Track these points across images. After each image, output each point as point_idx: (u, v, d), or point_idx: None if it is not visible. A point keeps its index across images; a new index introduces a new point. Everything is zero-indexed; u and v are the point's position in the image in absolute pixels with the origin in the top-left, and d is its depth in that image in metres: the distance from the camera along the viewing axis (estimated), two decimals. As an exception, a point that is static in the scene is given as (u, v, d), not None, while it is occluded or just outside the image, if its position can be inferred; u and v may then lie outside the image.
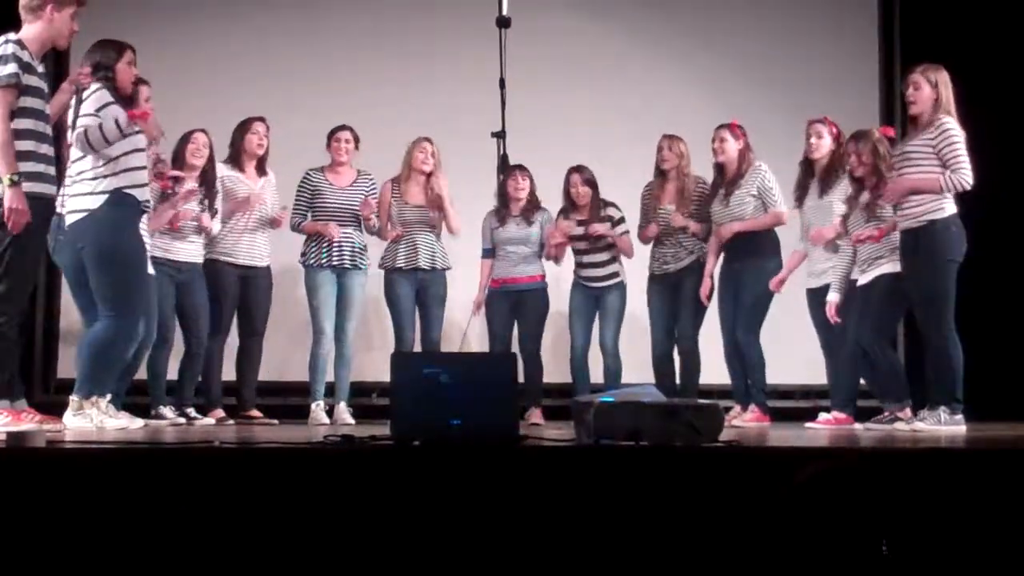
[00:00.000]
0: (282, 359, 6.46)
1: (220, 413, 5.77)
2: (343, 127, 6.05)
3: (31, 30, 4.22)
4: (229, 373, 5.94)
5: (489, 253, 6.11)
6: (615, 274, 6.02)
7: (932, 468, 2.96)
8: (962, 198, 4.85)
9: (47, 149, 4.22)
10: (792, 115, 6.27)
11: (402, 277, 5.98)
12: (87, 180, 4.34)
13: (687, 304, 5.85)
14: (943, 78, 4.86)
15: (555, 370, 6.19)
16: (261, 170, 5.95)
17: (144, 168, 4.51)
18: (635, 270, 6.09)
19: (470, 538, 2.81)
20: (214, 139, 5.76)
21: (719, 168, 5.86)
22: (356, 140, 6.06)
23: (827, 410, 5.41)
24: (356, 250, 5.97)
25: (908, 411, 4.98)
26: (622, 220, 6.06)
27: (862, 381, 5.37)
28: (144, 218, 4.68)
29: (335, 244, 5.90)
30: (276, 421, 5.72)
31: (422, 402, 3.27)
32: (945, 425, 4.68)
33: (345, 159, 6.05)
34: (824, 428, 5.18)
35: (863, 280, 5.15)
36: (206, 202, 5.59)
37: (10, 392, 4.13)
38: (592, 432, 3.27)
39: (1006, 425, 5.14)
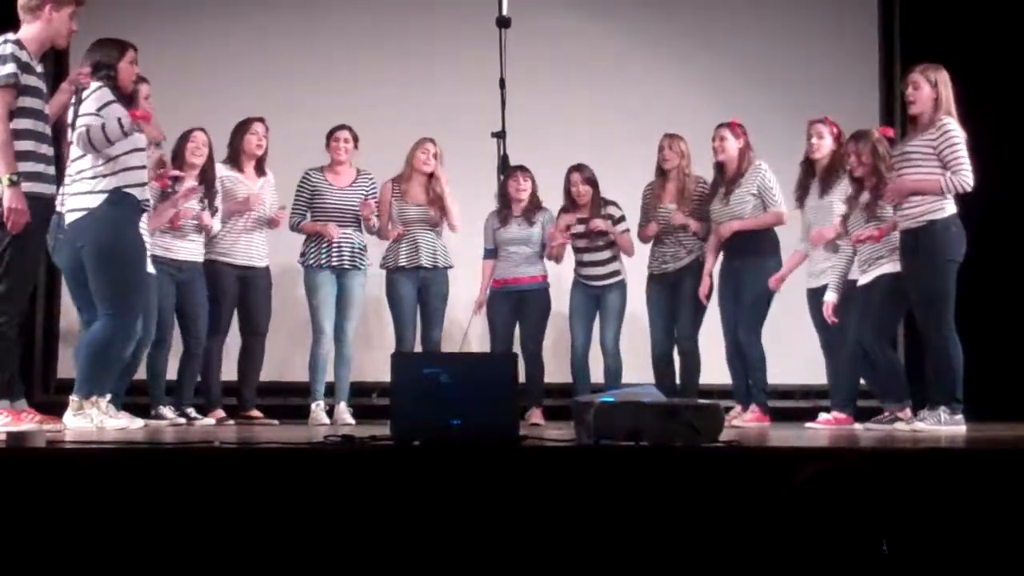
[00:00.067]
0: (282, 359, 6.46)
1: (220, 413, 5.77)
2: (342, 127, 6.05)
3: (30, 30, 4.22)
4: (230, 373, 5.94)
5: (491, 254, 6.11)
6: (616, 273, 6.02)
7: (932, 468, 2.96)
8: (962, 198, 4.85)
9: (46, 149, 4.22)
10: (792, 115, 6.28)
11: (404, 276, 5.98)
12: (86, 179, 4.34)
13: (686, 304, 5.85)
14: (943, 78, 4.86)
15: (555, 370, 6.19)
16: (260, 170, 5.95)
17: (144, 168, 4.51)
18: (635, 270, 6.09)
19: (470, 538, 2.80)
20: (214, 139, 5.77)
21: (719, 167, 5.86)
22: (355, 139, 6.06)
23: (827, 410, 5.41)
24: (356, 250, 5.97)
25: (908, 411, 4.98)
26: (622, 219, 6.06)
27: (862, 381, 5.37)
28: (144, 217, 4.68)
29: (335, 244, 5.90)
30: (276, 421, 5.72)
31: (422, 402, 3.27)
32: (945, 425, 4.68)
33: (344, 158, 6.04)
34: (824, 428, 5.18)
35: (863, 280, 5.15)
36: (206, 201, 5.60)
37: (10, 392, 4.13)
38: (592, 432, 3.27)
39: (1006, 425, 5.14)
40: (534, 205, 6.09)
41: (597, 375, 6.02)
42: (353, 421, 5.78)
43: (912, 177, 4.83)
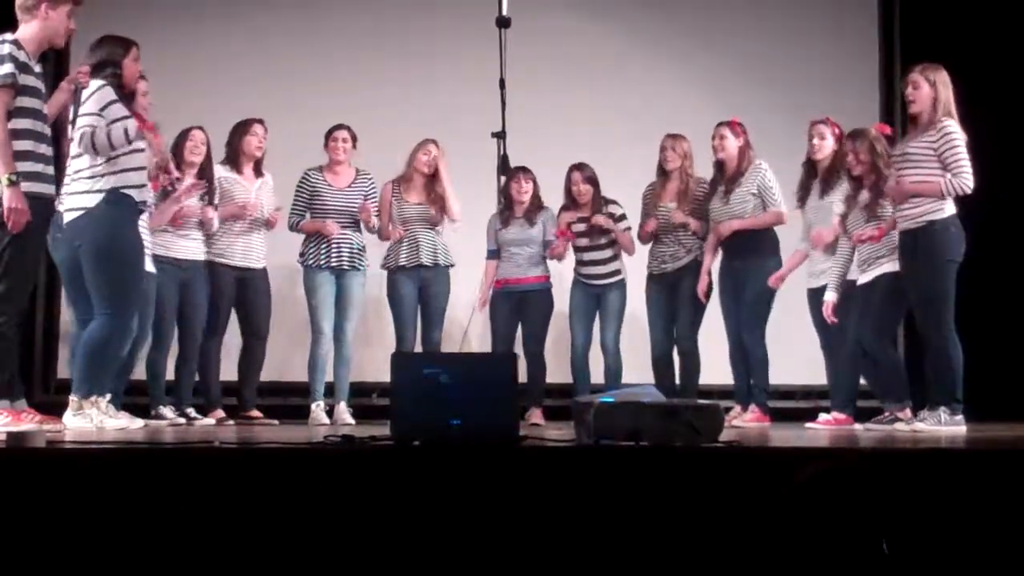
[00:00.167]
0: (282, 359, 6.46)
1: (220, 413, 5.78)
2: (340, 126, 6.05)
3: (27, 30, 4.22)
4: (230, 373, 5.94)
5: (494, 254, 6.12)
6: (616, 272, 6.03)
7: (932, 468, 2.96)
8: (962, 198, 4.85)
9: (45, 149, 4.22)
10: (792, 115, 6.29)
11: (405, 276, 5.98)
12: (84, 179, 4.33)
13: (686, 304, 5.85)
14: (942, 77, 4.86)
15: (555, 370, 6.19)
16: (258, 171, 5.95)
17: (143, 169, 4.50)
18: (635, 269, 6.09)
19: (470, 538, 2.80)
20: (214, 139, 5.77)
21: (719, 165, 5.86)
22: (354, 139, 6.06)
23: (827, 410, 5.41)
24: (355, 251, 5.97)
25: (908, 411, 4.98)
26: (623, 217, 6.07)
27: (862, 381, 5.37)
28: (144, 216, 4.68)
29: (334, 245, 5.90)
30: (276, 422, 5.72)
31: (422, 402, 3.27)
32: (945, 425, 4.68)
33: (343, 158, 6.04)
34: (824, 428, 5.18)
35: (863, 279, 5.15)
36: (207, 198, 5.60)
37: (10, 392, 4.13)
38: (592, 432, 3.27)
39: (1006, 425, 5.14)
40: (535, 206, 6.09)
41: (597, 375, 6.02)
42: (353, 421, 5.78)
43: (912, 178, 4.83)
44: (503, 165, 4.95)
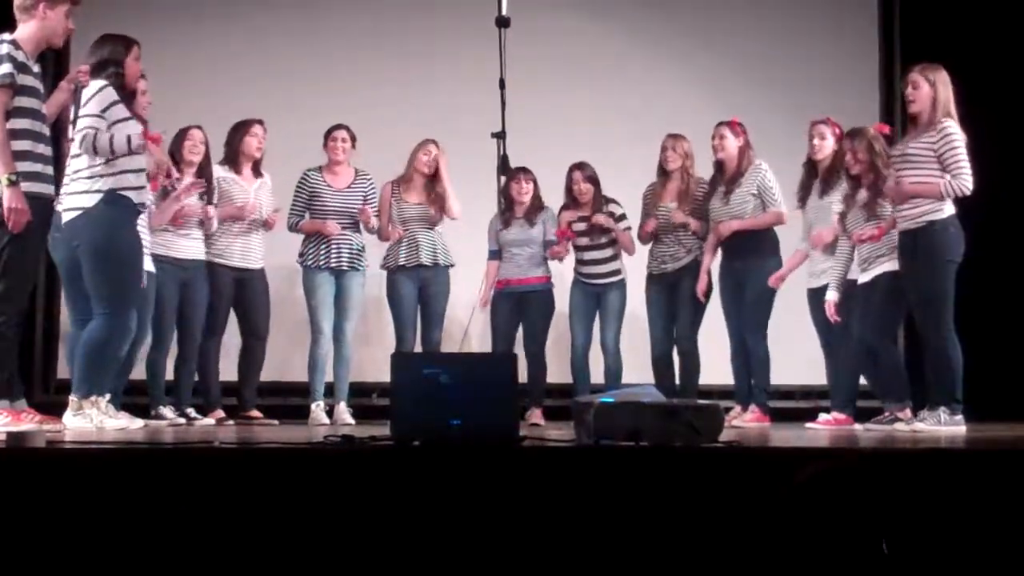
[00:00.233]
0: (282, 359, 6.46)
1: (220, 413, 5.77)
2: (339, 126, 6.05)
3: (25, 30, 4.21)
4: (230, 374, 5.94)
5: (495, 255, 6.13)
6: (616, 272, 6.03)
7: (932, 468, 2.96)
8: (961, 199, 4.85)
9: (44, 149, 4.21)
10: (792, 115, 6.29)
11: (405, 276, 5.98)
12: (83, 179, 4.32)
13: (686, 304, 5.85)
14: (942, 77, 4.86)
15: (555, 370, 6.19)
16: (257, 171, 5.95)
17: (142, 171, 4.49)
18: (635, 269, 6.09)
19: (470, 538, 2.80)
20: (214, 139, 5.77)
21: (719, 165, 5.86)
22: (353, 139, 6.06)
23: (827, 410, 5.41)
24: (355, 251, 5.97)
25: (908, 411, 4.98)
26: (624, 216, 6.07)
27: (863, 381, 5.37)
28: (145, 215, 4.67)
29: (334, 245, 5.90)
30: (276, 422, 5.72)
31: (422, 402, 3.27)
32: (945, 425, 4.68)
33: (342, 158, 6.04)
34: (824, 428, 5.18)
35: (864, 278, 5.15)
36: (206, 197, 5.61)
37: (10, 392, 4.13)
38: (592, 432, 3.27)
39: (1006, 425, 5.14)
40: (535, 206, 6.09)
41: (597, 375, 6.02)
42: (353, 421, 5.78)
43: (912, 179, 4.83)
44: (503, 165, 4.95)
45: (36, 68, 4.24)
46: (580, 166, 6.06)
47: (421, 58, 7.00)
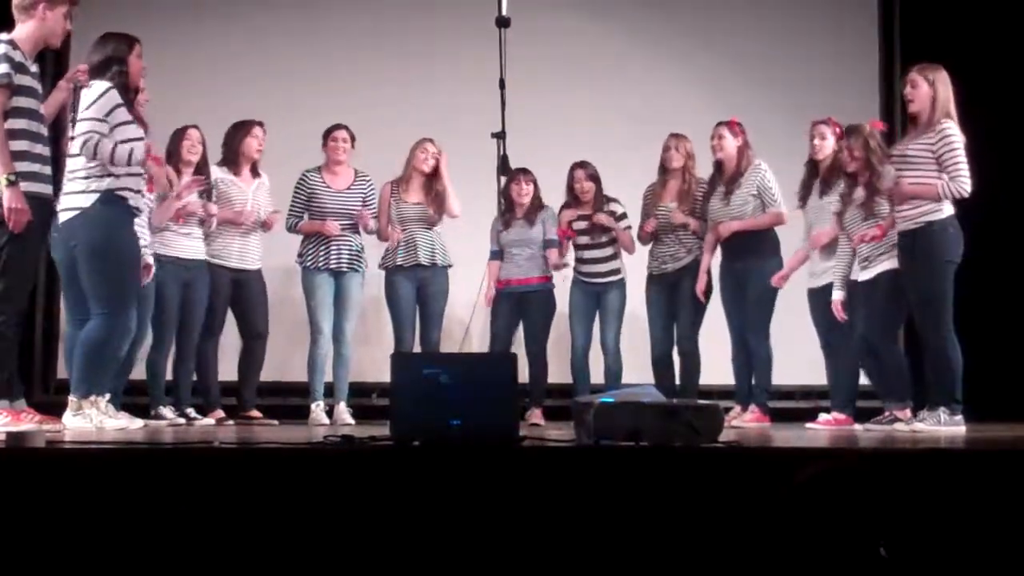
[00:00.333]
0: (282, 359, 6.45)
1: (220, 413, 5.77)
2: (339, 126, 6.05)
3: (24, 29, 4.21)
4: (230, 374, 5.94)
5: (496, 255, 6.12)
6: (616, 271, 6.03)
7: (932, 469, 2.96)
8: (960, 199, 4.85)
9: (41, 149, 4.21)
10: (792, 115, 6.30)
11: (403, 276, 5.98)
12: (80, 179, 4.31)
13: (686, 304, 5.85)
14: (941, 77, 4.86)
15: (555, 370, 6.18)
16: (255, 172, 5.94)
17: (140, 175, 4.48)
18: (635, 269, 6.09)
19: (470, 539, 2.80)
20: (215, 139, 5.76)
21: (718, 165, 5.86)
22: (352, 139, 6.05)
23: (827, 411, 5.41)
24: (354, 252, 5.96)
25: (908, 412, 4.98)
26: (624, 215, 6.07)
27: (863, 381, 5.37)
28: (145, 215, 4.66)
29: (333, 247, 5.89)
30: (276, 422, 5.72)
31: (422, 402, 3.27)
32: (944, 426, 4.68)
33: (343, 158, 6.04)
34: (824, 429, 5.18)
35: (864, 277, 5.15)
36: (205, 196, 5.61)
37: (9, 392, 4.13)
38: (592, 432, 3.27)
39: (1006, 425, 5.14)
40: (535, 207, 6.09)
41: (597, 375, 6.02)
42: (353, 421, 5.77)
43: (910, 180, 4.83)
44: (503, 165, 4.96)
45: (34, 68, 4.24)
46: (582, 164, 6.07)
47: (421, 58, 7.00)
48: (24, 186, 4.07)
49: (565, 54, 7.02)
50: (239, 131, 5.88)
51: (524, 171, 5.98)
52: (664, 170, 5.98)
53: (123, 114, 4.34)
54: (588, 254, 6.05)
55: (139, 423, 4.74)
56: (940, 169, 4.77)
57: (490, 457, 2.98)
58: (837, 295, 5.27)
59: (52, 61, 6.01)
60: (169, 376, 5.68)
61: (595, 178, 6.05)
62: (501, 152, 4.86)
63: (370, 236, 6.07)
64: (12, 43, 4.12)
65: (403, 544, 2.79)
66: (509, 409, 3.40)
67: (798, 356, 6.13)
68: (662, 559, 2.81)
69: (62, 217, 4.33)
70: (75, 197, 4.31)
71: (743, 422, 5.53)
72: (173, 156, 5.58)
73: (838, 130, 5.51)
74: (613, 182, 6.16)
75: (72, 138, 4.34)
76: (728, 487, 2.89)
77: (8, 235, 4.06)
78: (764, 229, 5.71)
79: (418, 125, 6.27)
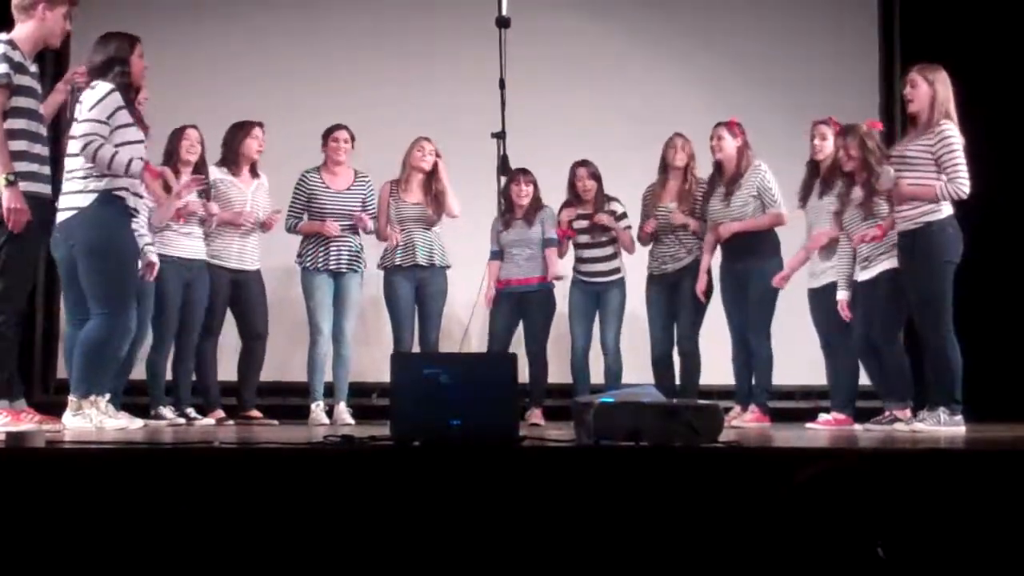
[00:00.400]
0: (282, 359, 6.45)
1: (220, 413, 5.77)
2: (340, 126, 6.04)
3: (23, 29, 4.21)
4: (230, 374, 5.94)
5: (496, 255, 6.12)
6: (616, 270, 6.03)
7: (931, 469, 2.96)
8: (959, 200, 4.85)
9: (40, 149, 4.21)
10: (792, 115, 6.30)
11: (401, 276, 5.98)
12: (78, 178, 4.31)
13: (686, 304, 5.85)
14: (940, 77, 4.85)
15: (555, 370, 6.18)
16: (254, 173, 5.94)
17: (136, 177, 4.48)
18: (634, 269, 6.09)
19: (470, 539, 2.80)
20: (215, 140, 5.76)
21: (717, 166, 5.86)
22: (352, 139, 6.05)
23: (827, 410, 5.41)
24: (353, 253, 5.96)
25: (908, 412, 4.98)
26: (624, 215, 6.08)
27: (863, 381, 5.37)
28: (145, 215, 4.65)
29: (333, 248, 5.89)
30: (276, 422, 5.72)
31: (422, 402, 3.27)
32: (944, 426, 4.68)
33: (344, 159, 6.04)
34: (824, 429, 5.19)
35: (864, 276, 5.15)
36: (204, 196, 5.61)
37: (9, 392, 4.13)
38: (592, 432, 3.27)
39: (1005, 426, 5.14)
40: (534, 207, 6.09)
41: (597, 375, 6.02)
42: (353, 421, 5.77)
43: (909, 181, 4.83)
44: (503, 165, 4.96)
45: (33, 68, 4.24)
46: (584, 163, 6.07)
47: (421, 58, 7.00)
48: (23, 186, 4.07)
49: (565, 54, 7.02)
50: (239, 132, 5.87)
51: (524, 171, 5.97)
52: (664, 169, 5.98)
53: (124, 116, 4.34)
54: (588, 253, 6.05)
55: (139, 423, 4.74)
56: (939, 170, 4.77)
57: (490, 457, 2.98)
58: (842, 295, 5.27)
59: (52, 61, 6.01)
60: (169, 376, 5.68)
61: (597, 177, 6.05)
62: (501, 152, 4.86)
63: (369, 236, 6.07)
64: (11, 43, 4.12)
65: (403, 544, 2.79)
66: (509, 409, 3.40)
67: (798, 356, 6.13)
68: (662, 559, 2.81)
69: (60, 217, 4.33)
70: (73, 197, 4.31)
71: (743, 422, 5.53)
72: (172, 156, 5.58)
73: (839, 129, 5.51)
74: (613, 182, 6.15)
75: (72, 138, 4.34)
76: (728, 487, 2.88)
77: (7, 235, 4.06)
78: (764, 230, 5.71)
79: (418, 125, 6.26)
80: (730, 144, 5.77)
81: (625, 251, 6.07)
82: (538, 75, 6.57)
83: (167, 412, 5.49)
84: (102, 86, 4.33)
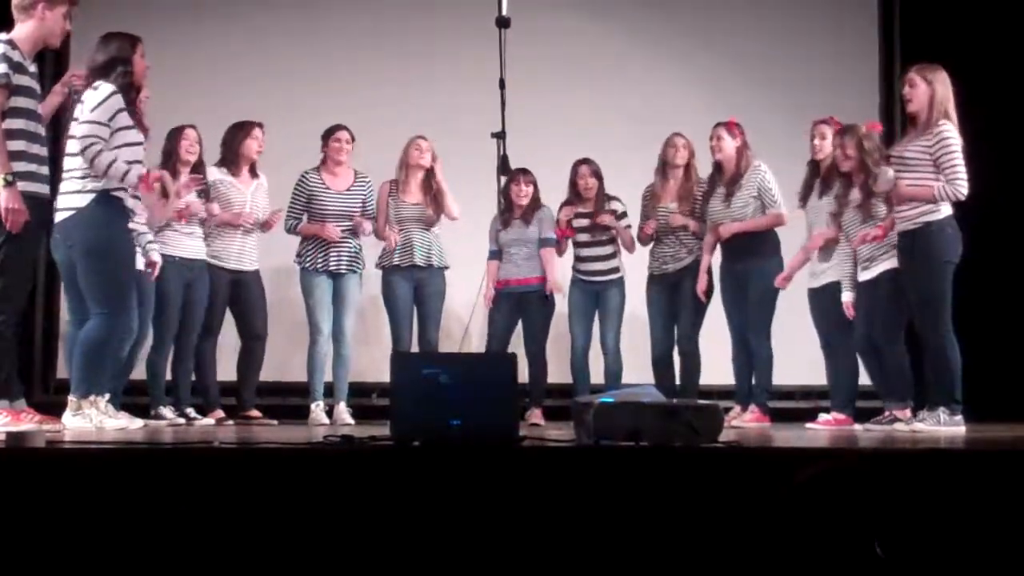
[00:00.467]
0: (282, 359, 6.45)
1: (220, 413, 5.77)
2: (340, 127, 6.04)
3: (23, 29, 4.20)
4: (230, 374, 5.94)
5: (495, 255, 6.12)
6: (616, 269, 6.03)
7: (931, 469, 2.96)
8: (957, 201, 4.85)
9: (38, 149, 4.20)
10: (792, 115, 6.30)
11: (399, 276, 5.98)
12: (76, 178, 4.30)
13: (687, 304, 5.85)
14: (939, 76, 4.85)
15: (555, 370, 6.18)
16: (253, 173, 5.94)
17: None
18: (634, 269, 6.09)
19: (470, 539, 2.80)
20: (215, 140, 5.76)
21: (717, 166, 5.86)
22: (352, 139, 6.05)
23: (827, 410, 5.41)
24: (353, 254, 5.96)
25: (908, 412, 4.98)
26: (625, 214, 6.08)
27: (863, 380, 5.37)
28: (144, 215, 4.65)
29: (332, 249, 5.89)
30: (275, 421, 5.72)
31: (422, 402, 3.27)
32: (944, 426, 4.68)
33: (344, 159, 6.03)
34: (824, 429, 5.19)
35: (865, 276, 5.15)
36: (203, 196, 5.61)
37: (9, 392, 4.13)
38: (592, 432, 3.27)
39: (1005, 425, 5.14)
40: (533, 207, 6.08)
41: (597, 375, 6.02)
42: (352, 421, 5.77)
43: (908, 182, 4.83)
44: (503, 165, 4.96)
45: (33, 68, 4.24)
46: (586, 161, 6.07)
47: (421, 58, 7.00)
48: (21, 186, 4.07)
49: (565, 54, 7.02)
50: (239, 132, 5.87)
51: (524, 171, 5.97)
52: (664, 167, 5.97)
53: (125, 119, 4.34)
54: (588, 252, 6.05)
55: (139, 423, 4.74)
56: (937, 171, 4.76)
57: (490, 457, 2.98)
58: (847, 297, 5.27)
59: (52, 61, 6.01)
60: (169, 376, 5.68)
61: (598, 175, 6.05)
62: (501, 152, 4.86)
63: (368, 236, 6.07)
64: (11, 43, 4.12)
65: (403, 544, 2.79)
66: (509, 409, 3.40)
67: (798, 356, 6.13)
68: (662, 559, 2.81)
69: (58, 217, 4.33)
70: (71, 197, 4.30)
71: (743, 422, 5.53)
72: (171, 155, 5.58)
73: (838, 129, 5.51)
74: (613, 182, 6.15)
75: (72, 137, 4.34)
76: (728, 487, 2.88)
77: (6, 235, 4.05)
78: (764, 230, 5.71)
79: (418, 125, 6.26)
80: (729, 144, 5.77)
81: (625, 250, 6.07)
82: (538, 75, 6.57)
83: (167, 412, 5.49)
84: (104, 87, 4.32)
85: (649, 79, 7.12)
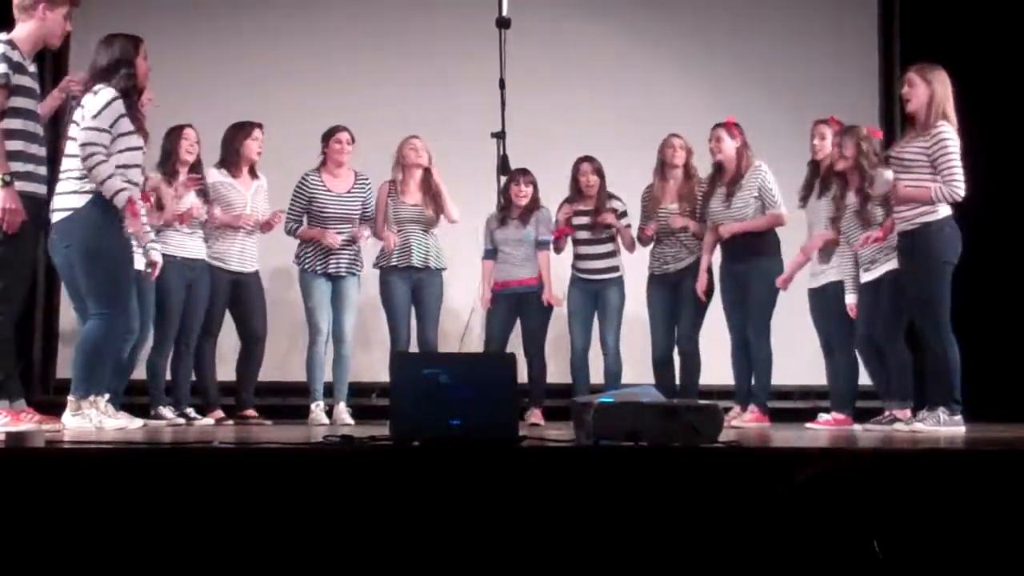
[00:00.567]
0: (281, 359, 6.46)
1: (219, 414, 5.78)
2: (341, 128, 6.03)
3: (23, 29, 4.21)
4: (230, 374, 5.94)
5: (490, 254, 6.11)
6: (615, 268, 6.03)
7: (931, 469, 2.96)
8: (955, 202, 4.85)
9: (37, 149, 4.20)
10: (792, 115, 6.30)
11: (397, 276, 5.97)
12: (73, 179, 4.29)
13: (687, 304, 5.85)
14: (939, 76, 4.85)
15: (555, 370, 6.19)
16: (253, 174, 5.94)
17: (134, 174, 4.47)
18: (634, 269, 6.09)
19: (470, 538, 2.80)
20: (214, 141, 5.76)
21: (717, 166, 5.86)
22: (352, 140, 6.05)
23: (827, 410, 5.41)
24: (352, 257, 5.95)
25: (908, 412, 4.98)
26: (625, 214, 6.08)
27: (863, 380, 5.37)
28: (144, 216, 4.65)
29: (332, 252, 5.88)
30: (269, 421, 5.72)
31: (422, 402, 3.27)
32: (944, 426, 4.68)
33: (345, 160, 6.03)
34: (823, 429, 5.19)
35: (867, 277, 5.16)
36: (203, 196, 5.61)
37: (9, 392, 4.13)
38: (592, 432, 3.26)
39: (1005, 426, 5.14)
40: (531, 208, 6.07)
41: (597, 375, 6.02)
42: (352, 421, 5.77)
43: (905, 182, 4.83)
44: (503, 165, 4.95)
45: (32, 68, 4.24)
46: (588, 158, 6.07)
47: (421, 58, 7.01)
48: (19, 186, 4.07)
49: (565, 54, 7.03)
50: (239, 133, 5.87)
51: (524, 171, 5.97)
52: (663, 168, 5.97)
53: (126, 124, 4.33)
54: (587, 250, 6.05)
55: (138, 423, 4.74)
56: (935, 172, 4.76)
57: (490, 457, 2.98)
58: (850, 299, 5.27)
59: (51, 62, 6.02)
60: (168, 376, 5.68)
61: (600, 173, 6.05)
62: (501, 152, 4.85)
63: (367, 241, 6.06)
64: (11, 43, 4.12)
65: (403, 544, 2.79)
66: (509, 409, 3.39)
67: (798, 356, 6.14)
68: (662, 559, 2.81)
69: (55, 218, 4.32)
70: (68, 197, 4.29)
71: (743, 422, 5.53)
72: (171, 155, 5.58)
73: (839, 128, 5.51)
74: (613, 182, 6.15)
75: (71, 139, 4.33)
76: (728, 487, 2.88)
77: (3, 235, 4.05)
78: (764, 230, 5.71)
79: (418, 125, 6.26)
80: (729, 145, 5.77)
81: (625, 250, 6.07)
82: (538, 75, 6.57)
83: (167, 412, 5.50)
84: (105, 92, 4.31)
85: (649, 79, 7.13)
